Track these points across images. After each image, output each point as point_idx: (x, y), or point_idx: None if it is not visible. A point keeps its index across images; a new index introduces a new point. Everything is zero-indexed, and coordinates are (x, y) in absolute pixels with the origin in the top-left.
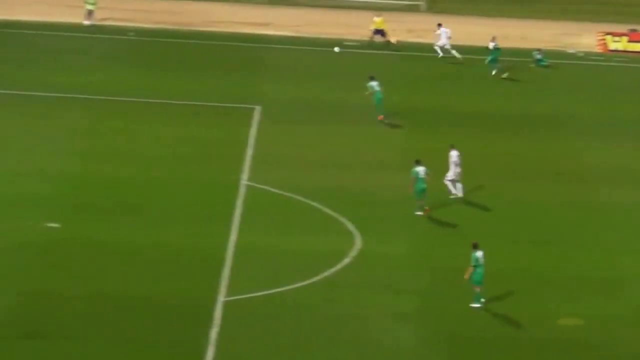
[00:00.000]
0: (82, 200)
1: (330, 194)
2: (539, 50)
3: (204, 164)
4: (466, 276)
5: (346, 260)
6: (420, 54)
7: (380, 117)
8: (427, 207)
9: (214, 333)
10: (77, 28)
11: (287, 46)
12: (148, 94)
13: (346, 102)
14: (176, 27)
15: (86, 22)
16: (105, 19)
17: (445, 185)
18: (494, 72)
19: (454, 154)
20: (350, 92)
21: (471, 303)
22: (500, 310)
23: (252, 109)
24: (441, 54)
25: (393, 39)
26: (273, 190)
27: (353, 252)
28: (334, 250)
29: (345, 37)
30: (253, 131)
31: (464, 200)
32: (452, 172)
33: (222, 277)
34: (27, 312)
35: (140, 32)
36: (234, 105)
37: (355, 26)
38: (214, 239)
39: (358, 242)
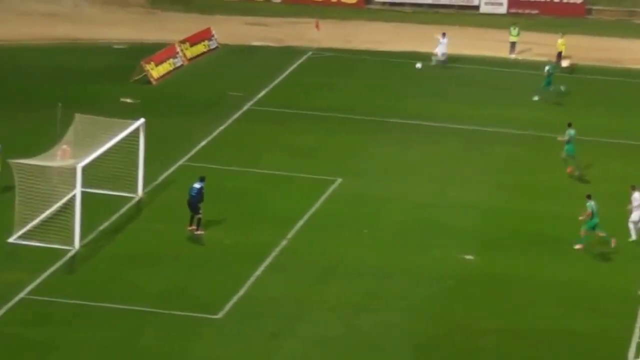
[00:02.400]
0: (499, 233)
1: None
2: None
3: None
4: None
5: None
6: None
7: (570, 169)
8: (613, 238)
9: None
10: (501, 62)
11: None
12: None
13: None
14: (603, 64)
15: (512, 56)
16: (527, 52)
17: (629, 229)
18: (535, 98)
19: (637, 196)
20: None
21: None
22: None
23: None
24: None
25: (565, 62)
26: None
27: None
28: None
29: None
30: None
31: None
32: (637, 214)
33: (638, 318)
34: (441, 341)
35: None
36: None
37: None
38: (631, 279)
39: None
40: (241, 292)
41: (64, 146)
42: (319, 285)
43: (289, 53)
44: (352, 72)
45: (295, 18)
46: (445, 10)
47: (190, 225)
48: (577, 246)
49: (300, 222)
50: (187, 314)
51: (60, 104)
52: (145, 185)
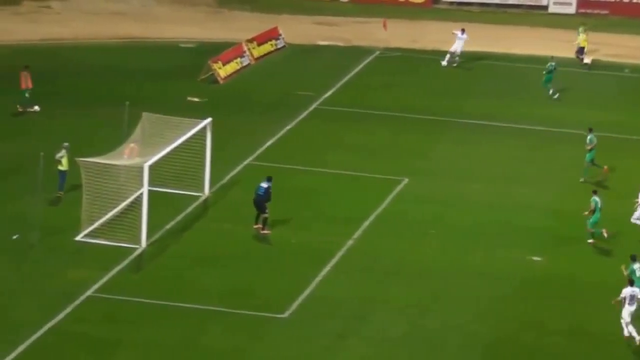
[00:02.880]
0: (566, 234)
1: None
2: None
3: None
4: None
5: None
6: None
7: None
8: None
9: None
10: (568, 63)
11: None
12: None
13: None
14: None
15: (580, 57)
16: (595, 52)
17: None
18: (551, 92)
19: None
20: None
21: None
22: None
23: None
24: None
25: (588, 59)
26: None
27: None
28: None
29: None
30: None
31: None
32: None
33: None
34: (508, 341)
35: (637, 68)
36: None
37: None
38: None
39: None
40: (307, 291)
41: (132, 144)
42: (384, 286)
43: (356, 53)
44: (418, 72)
45: (363, 18)
46: (513, 10)
47: (256, 224)
48: (590, 241)
49: (367, 222)
50: (253, 313)
51: (127, 103)
52: (211, 184)
